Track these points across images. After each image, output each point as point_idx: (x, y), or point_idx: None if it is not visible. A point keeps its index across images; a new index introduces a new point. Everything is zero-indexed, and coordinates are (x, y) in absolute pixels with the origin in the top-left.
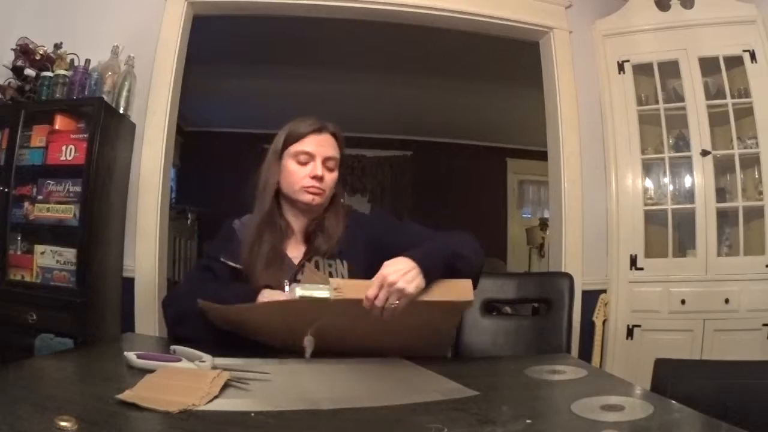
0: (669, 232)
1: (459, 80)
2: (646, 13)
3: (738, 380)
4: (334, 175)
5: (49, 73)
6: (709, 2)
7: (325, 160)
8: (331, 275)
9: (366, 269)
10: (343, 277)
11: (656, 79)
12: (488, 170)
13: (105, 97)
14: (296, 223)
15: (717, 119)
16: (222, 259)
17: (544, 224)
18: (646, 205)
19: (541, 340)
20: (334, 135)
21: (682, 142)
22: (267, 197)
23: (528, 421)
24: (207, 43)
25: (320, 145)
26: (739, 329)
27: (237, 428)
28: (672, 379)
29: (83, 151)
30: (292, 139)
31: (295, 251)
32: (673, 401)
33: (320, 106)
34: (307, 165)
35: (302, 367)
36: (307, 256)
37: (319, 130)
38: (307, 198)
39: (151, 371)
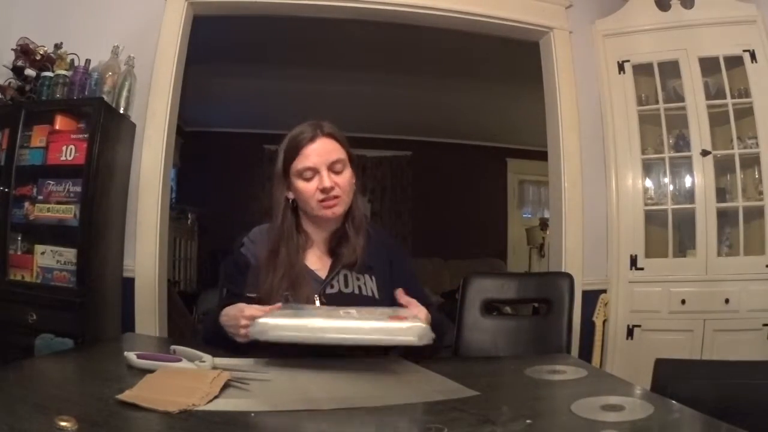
0: (669, 232)
1: (459, 80)
2: (646, 13)
3: (738, 380)
4: (346, 175)
5: (49, 73)
6: (709, 2)
7: (330, 166)
8: (360, 289)
9: (389, 286)
10: (372, 292)
11: (656, 79)
12: (488, 170)
13: (105, 98)
14: (316, 234)
15: (717, 119)
16: (248, 295)
17: (544, 224)
18: (646, 205)
19: (541, 340)
20: (331, 135)
21: (682, 142)
22: (278, 214)
23: (528, 421)
24: (207, 43)
25: (319, 154)
26: (739, 329)
27: (237, 428)
28: (672, 379)
29: (83, 152)
30: (291, 156)
31: (318, 264)
32: (673, 401)
33: (320, 106)
34: (314, 179)
35: (302, 367)
36: (335, 270)
37: (313, 138)
38: (326, 213)
39: (151, 371)
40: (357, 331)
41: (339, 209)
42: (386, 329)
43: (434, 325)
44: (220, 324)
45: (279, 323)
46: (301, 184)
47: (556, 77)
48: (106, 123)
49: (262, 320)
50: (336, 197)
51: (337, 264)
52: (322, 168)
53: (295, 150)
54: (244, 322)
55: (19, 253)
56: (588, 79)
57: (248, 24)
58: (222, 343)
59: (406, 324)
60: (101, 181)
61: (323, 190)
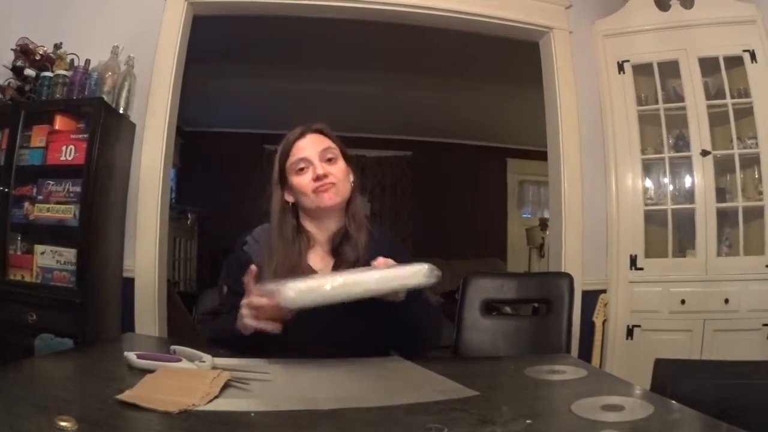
0: (669, 232)
1: (459, 80)
2: (645, 13)
3: (738, 380)
4: (340, 165)
5: (49, 73)
6: (709, 2)
7: (321, 155)
8: None
9: None
10: None
11: (656, 79)
12: (488, 170)
13: (105, 97)
14: (318, 234)
15: (717, 119)
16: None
17: (544, 224)
18: (646, 205)
19: (541, 340)
20: (320, 131)
21: (682, 142)
22: (274, 218)
23: (528, 421)
24: (207, 43)
25: (308, 145)
26: (739, 329)
27: (237, 428)
28: (672, 379)
29: (83, 151)
30: (285, 155)
31: (320, 263)
32: (673, 401)
33: (320, 107)
34: (308, 171)
35: (302, 367)
36: (338, 270)
37: (302, 134)
38: (323, 200)
39: (151, 371)
40: (373, 284)
41: (335, 197)
42: (397, 275)
43: (428, 320)
44: (235, 325)
45: (303, 288)
46: (296, 179)
47: (556, 77)
48: (106, 123)
49: (289, 290)
50: (331, 184)
51: (339, 263)
52: (314, 158)
53: (287, 148)
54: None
55: (19, 253)
56: (588, 79)
57: (248, 24)
58: (234, 342)
59: (413, 268)
60: (101, 181)
61: (317, 178)
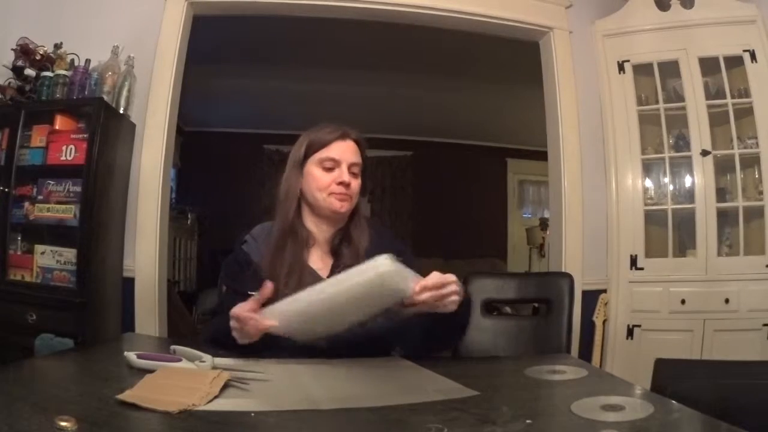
0: (669, 232)
1: (459, 80)
2: (646, 13)
3: (738, 380)
4: (359, 181)
5: (49, 73)
6: (709, 2)
7: (350, 167)
8: None
9: None
10: None
11: (656, 79)
12: (488, 170)
13: (105, 97)
14: (319, 233)
15: (717, 119)
16: (250, 293)
17: (544, 224)
18: (646, 205)
19: (541, 340)
20: (356, 142)
21: (682, 142)
22: (290, 206)
23: (528, 421)
24: (207, 43)
25: (345, 151)
26: (739, 329)
27: (237, 428)
28: (672, 379)
29: (83, 151)
30: (316, 146)
31: (319, 263)
32: (673, 401)
33: (320, 107)
34: (333, 171)
35: (302, 367)
36: (336, 270)
37: (343, 137)
38: (336, 205)
39: (151, 371)
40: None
41: (347, 207)
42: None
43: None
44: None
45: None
46: (318, 173)
47: (556, 77)
48: (106, 123)
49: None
50: (349, 195)
51: (338, 264)
52: (344, 164)
53: (322, 142)
54: (250, 321)
55: (19, 253)
56: (588, 79)
57: (248, 24)
58: (232, 343)
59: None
60: (101, 181)
61: (340, 183)
